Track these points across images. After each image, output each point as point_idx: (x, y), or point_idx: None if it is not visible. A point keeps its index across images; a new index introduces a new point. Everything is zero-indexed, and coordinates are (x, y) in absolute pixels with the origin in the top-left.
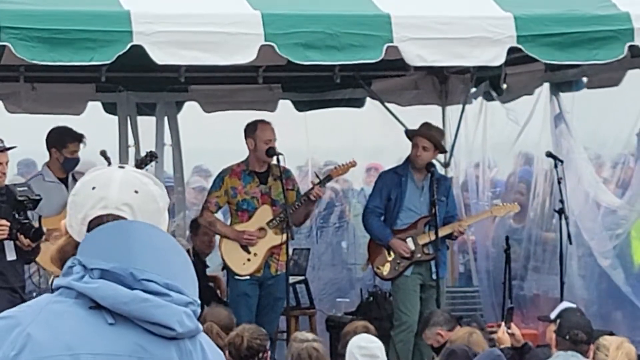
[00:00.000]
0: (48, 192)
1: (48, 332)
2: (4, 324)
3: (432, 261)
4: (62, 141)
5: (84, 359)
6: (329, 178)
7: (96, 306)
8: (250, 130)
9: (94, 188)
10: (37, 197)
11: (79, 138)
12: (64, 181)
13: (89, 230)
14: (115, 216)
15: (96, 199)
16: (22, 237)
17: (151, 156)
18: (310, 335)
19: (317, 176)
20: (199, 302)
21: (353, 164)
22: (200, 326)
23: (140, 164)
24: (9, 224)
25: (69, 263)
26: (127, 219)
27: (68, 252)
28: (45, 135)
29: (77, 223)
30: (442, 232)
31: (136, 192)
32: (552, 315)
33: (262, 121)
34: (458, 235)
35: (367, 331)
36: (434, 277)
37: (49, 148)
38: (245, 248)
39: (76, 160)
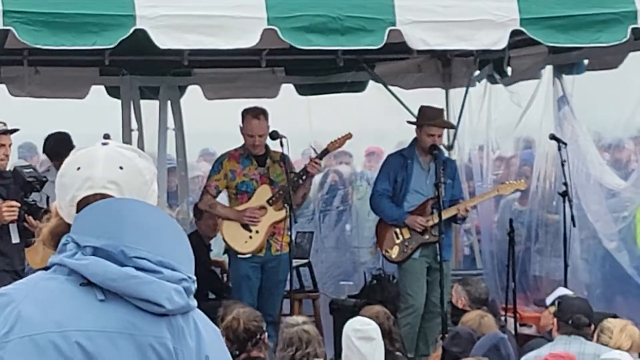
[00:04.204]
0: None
1: (38, 309)
2: None
3: (438, 244)
4: (57, 154)
5: (73, 336)
6: (326, 152)
7: (87, 283)
8: (241, 119)
9: (78, 168)
10: (44, 179)
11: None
12: None
13: (77, 211)
14: (103, 195)
15: (82, 180)
16: (30, 218)
17: None
18: (300, 319)
19: (315, 150)
20: (194, 278)
21: (349, 137)
22: (194, 303)
23: None
24: (19, 205)
25: (63, 240)
26: (114, 197)
27: (61, 232)
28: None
29: (65, 205)
30: (447, 214)
31: (121, 168)
32: (548, 301)
33: (250, 112)
34: (462, 217)
35: (388, 316)
36: (439, 258)
37: (52, 160)
38: (246, 227)
39: None
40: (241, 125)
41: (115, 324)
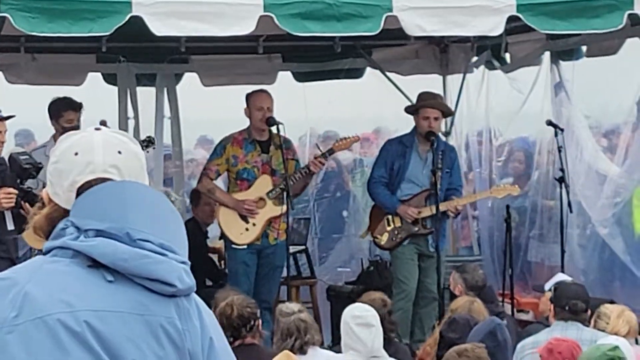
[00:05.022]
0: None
1: (46, 290)
2: (1, 285)
3: (429, 235)
4: (57, 111)
5: (84, 316)
6: (331, 151)
7: (94, 264)
8: (247, 98)
9: (76, 154)
10: (40, 165)
11: (74, 106)
12: None
13: (77, 196)
14: (104, 179)
15: (82, 165)
16: (26, 205)
17: (149, 142)
18: (295, 307)
19: (319, 149)
20: (189, 263)
21: (356, 139)
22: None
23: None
24: (17, 192)
25: (60, 225)
26: (114, 180)
27: (55, 220)
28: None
29: (63, 190)
30: (428, 212)
31: (120, 152)
32: (547, 287)
33: (258, 89)
34: (454, 214)
35: (385, 304)
36: (431, 249)
37: (50, 120)
38: (243, 217)
39: (75, 129)
40: (246, 108)
41: (125, 304)
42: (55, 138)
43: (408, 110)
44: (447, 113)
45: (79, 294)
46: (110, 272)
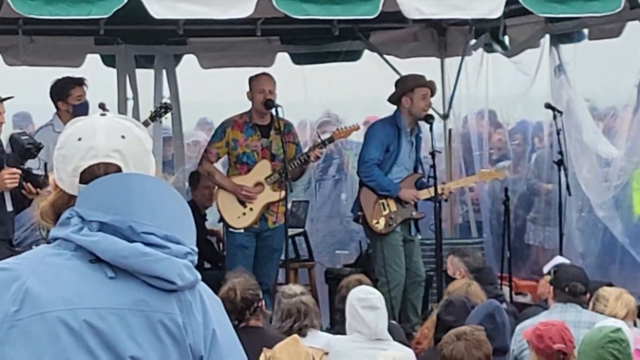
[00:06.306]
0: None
1: (47, 286)
2: (3, 276)
3: (419, 220)
4: (65, 90)
5: (84, 314)
6: (330, 139)
7: (96, 260)
8: (249, 81)
9: (80, 139)
10: (41, 145)
11: (79, 82)
12: None
13: (81, 181)
14: (106, 164)
15: (85, 150)
16: (28, 185)
17: (165, 108)
18: (297, 289)
19: (319, 137)
20: (196, 250)
21: (356, 128)
22: (199, 275)
23: (155, 116)
24: (20, 172)
25: (66, 214)
26: (119, 165)
27: (60, 206)
28: (48, 91)
29: (67, 176)
30: (426, 194)
31: (123, 137)
32: (545, 270)
33: (261, 73)
34: (446, 197)
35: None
36: (413, 233)
37: (55, 103)
38: (241, 202)
39: (85, 105)
40: (248, 91)
41: (126, 301)
42: (60, 116)
43: (395, 96)
44: (433, 93)
45: (80, 290)
46: (112, 268)
